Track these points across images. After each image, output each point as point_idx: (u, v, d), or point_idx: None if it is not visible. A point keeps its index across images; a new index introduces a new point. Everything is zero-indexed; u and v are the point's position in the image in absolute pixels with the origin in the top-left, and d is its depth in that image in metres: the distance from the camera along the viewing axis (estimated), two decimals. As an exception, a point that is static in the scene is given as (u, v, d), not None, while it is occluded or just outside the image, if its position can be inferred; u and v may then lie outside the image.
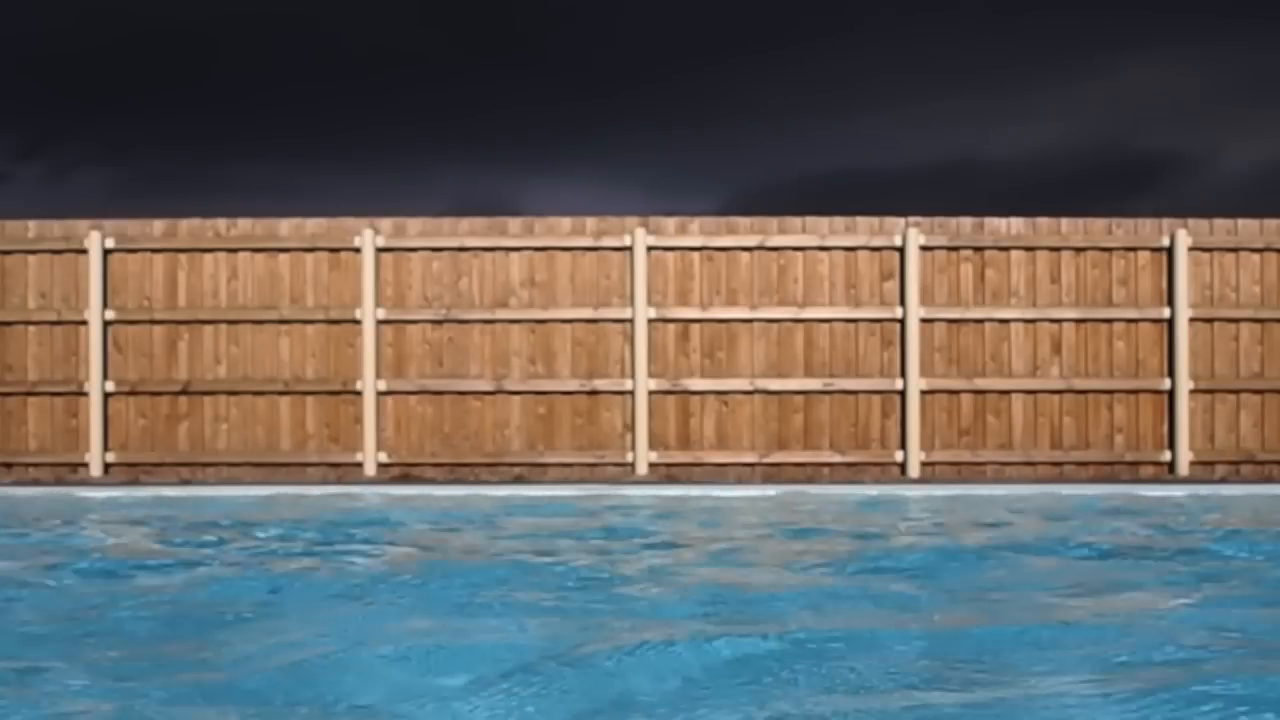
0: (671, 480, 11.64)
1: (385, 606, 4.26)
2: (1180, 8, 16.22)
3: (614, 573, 5.15)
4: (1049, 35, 16.84)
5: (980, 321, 11.87)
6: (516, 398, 11.91)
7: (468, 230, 11.99)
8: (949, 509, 8.94)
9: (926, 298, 11.86)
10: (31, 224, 12.05)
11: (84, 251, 11.87)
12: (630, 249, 11.84)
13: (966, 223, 11.96)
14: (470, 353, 11.93)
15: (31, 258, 11.94)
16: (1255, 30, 16.27)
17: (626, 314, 11.84)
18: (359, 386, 11.84)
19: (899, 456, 11.82)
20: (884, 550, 6.20)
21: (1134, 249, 11.90)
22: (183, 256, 11.95)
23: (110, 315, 11.86)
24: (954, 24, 16.79)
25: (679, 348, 11.89)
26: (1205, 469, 11.83)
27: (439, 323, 11.91)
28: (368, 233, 11.87)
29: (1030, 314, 11.84)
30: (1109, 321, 11.86)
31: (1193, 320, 11.80)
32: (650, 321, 11.83)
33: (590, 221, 11.97)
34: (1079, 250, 11.89)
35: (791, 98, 17.22)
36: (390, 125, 17.41)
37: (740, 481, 11.66)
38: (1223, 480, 11.65)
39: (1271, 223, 11.92)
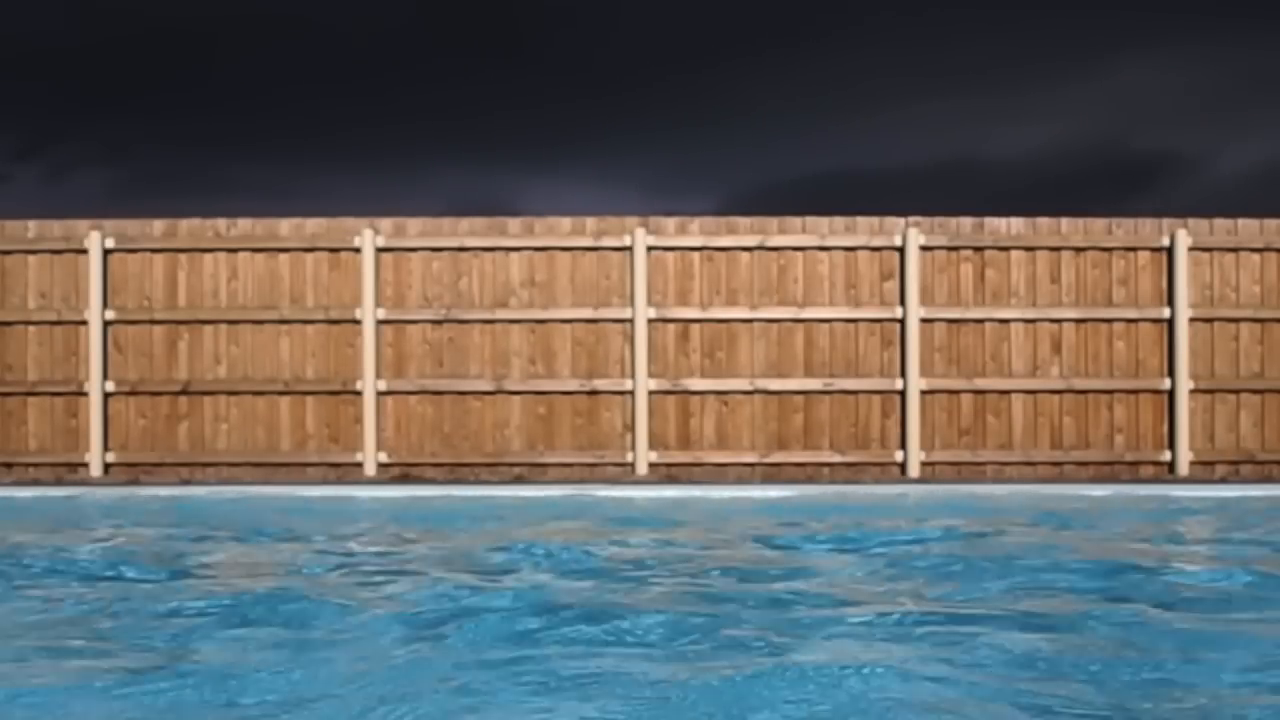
0: (671, 480, 11.65)
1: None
2: (1179, 8, 16.22)
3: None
4: (1048, 35, 16.85)
5: (980, 321, 11.87)
6: (516, 398, 11.91)
7: (468, 230, 11.99)
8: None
9: (926, 298, 11.86)
10: (31, 224, 12.05)
11: (84, 251, 11.87)
12: (630, 249, 11.84)
13: (966, 223, 11.97)
14: (470, 353, 11.93)
15: (31, 258, 11.94)
16: (1254, 30, 16.28)
17: (626, 314, 11.84)
18: (359, 386, 11.84)
19: (899, 456, 11.82)
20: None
21: (1134, 249, 11.90)
22: (183, 256, 11.95)
23: (110, 315, 11.86)
24: (954, 24, 16.79)
25: (679, 348, 11.89)
26: (1205, 469, 11.83)
27: (439, 323, 11.91)
28: (368, 233, 11.87)
29: (1030, 314, 11.84)
30: (1109, 321, 11.86)
31: (1193, 320, 11.80)
32: (650, 321, 11.83)
33: (590, 221, 11.97)
34: (1079, 250, 11.89)
35: (791, 98, 17.22)
36: (390, 125, 17.41)
37: (740, 481, 11.66)
38: (1223, 480, 11.65)
39: (1271, 223, 11.92)
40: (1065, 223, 11.99)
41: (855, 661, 3.37)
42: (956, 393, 11.86)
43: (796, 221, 11.99)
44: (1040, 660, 3.47)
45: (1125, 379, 11.87)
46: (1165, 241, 11.83)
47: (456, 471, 11.88)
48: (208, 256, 11.94)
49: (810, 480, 11.63)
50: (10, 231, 12.00)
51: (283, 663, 3.54)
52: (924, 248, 11.85)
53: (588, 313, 11.87)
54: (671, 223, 12.00)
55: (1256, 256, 11.88)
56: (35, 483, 11.64)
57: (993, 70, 16.88)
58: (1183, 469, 11.77)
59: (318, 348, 11.92)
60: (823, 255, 11.92)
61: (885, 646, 3.67)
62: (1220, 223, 11.93)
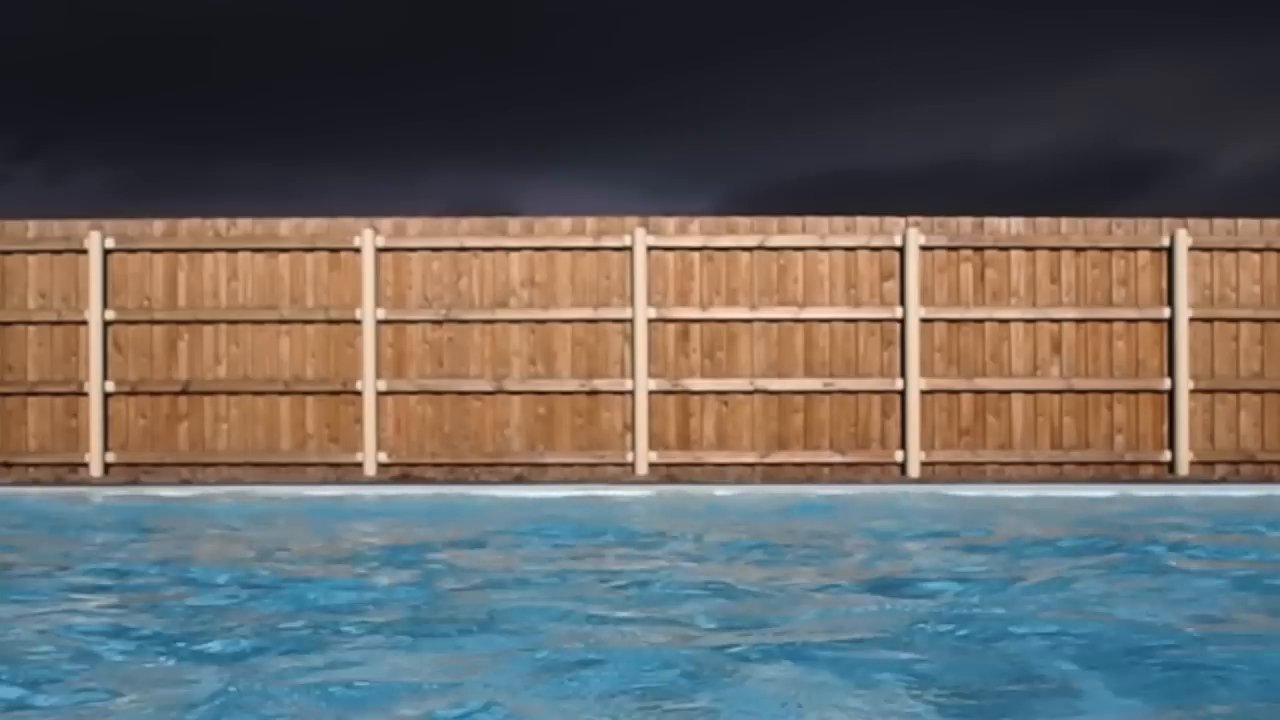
0: (671, 480, 11.64)
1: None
2: (1179, 8, 16.22)
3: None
4: (1048, 35, 16.85)
5: (980, 321, 11.87)
6: (516, 398, 11.90)
7: (468, 230, 11.99)
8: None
9: (926, 298, 11.86)
10: (31, 224, 12.05)
11: (84, 251, 11.87)
12: (630, 249, 11.84)
13: (966, 223, 11.96)
14: (470, 353, 11.93)
15: (31, 258, 11.94)
16: (1254, 30, 16.28)
17: (626, 314, 11.84)
18: (359, 386, 11.83)
19: (899, 456, 11.82)
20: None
21: (1134, 249, 11.90)
22: (183, 256, 11.94)
23: (110, 315, 11.86)
24: (954, 24, 16.79)
25: (679, 348, 11.89)
26: (1205, 469, 11.83)
27: (439, 323, 11.91)
28: (368, 233, 11.87)
29: (1030, 314, 11.84)
30: (1109, 321, 11.86)
31: (1193, 320, 11.80)
32: (650, 321, 11.83)
33: (590, 221, 11.97)
34: (1079, 250, 11.89)
35: (791, 98, 17.22)
36: (390, 125, 17.41)
37: (740, 481, 11.66)
38: (1223, 480, 11.65)
39: (1271, 223, 11.92)
40: (1065, 223, 11.99)
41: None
42: (956, 393, 11.86)
43: (796, 221, 11.99)
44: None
45: (1125, 379, 11.87)
46: (1165, 241, 11.83)
47: (456, 471, 11.88)
48: (208, 256, 11.94)
49: (810, 480, 11.63)
50: (10, 231, 11.99)
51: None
52: (924, 248, 11.85)
53: (588, 313, 11.87)
54: (671, 223, 12.00)
55: (1256, 256, 11.88)
56: (35, 483, 11.64)
57: (993, 70, 16.88)
58: (1183, 469, 11.77)
59: (318, 348, 11.92)
60: (823, 255, 11.92)
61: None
62: (1220, 223, 11.92)
